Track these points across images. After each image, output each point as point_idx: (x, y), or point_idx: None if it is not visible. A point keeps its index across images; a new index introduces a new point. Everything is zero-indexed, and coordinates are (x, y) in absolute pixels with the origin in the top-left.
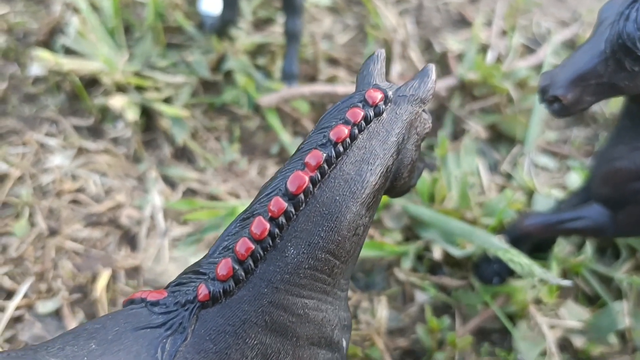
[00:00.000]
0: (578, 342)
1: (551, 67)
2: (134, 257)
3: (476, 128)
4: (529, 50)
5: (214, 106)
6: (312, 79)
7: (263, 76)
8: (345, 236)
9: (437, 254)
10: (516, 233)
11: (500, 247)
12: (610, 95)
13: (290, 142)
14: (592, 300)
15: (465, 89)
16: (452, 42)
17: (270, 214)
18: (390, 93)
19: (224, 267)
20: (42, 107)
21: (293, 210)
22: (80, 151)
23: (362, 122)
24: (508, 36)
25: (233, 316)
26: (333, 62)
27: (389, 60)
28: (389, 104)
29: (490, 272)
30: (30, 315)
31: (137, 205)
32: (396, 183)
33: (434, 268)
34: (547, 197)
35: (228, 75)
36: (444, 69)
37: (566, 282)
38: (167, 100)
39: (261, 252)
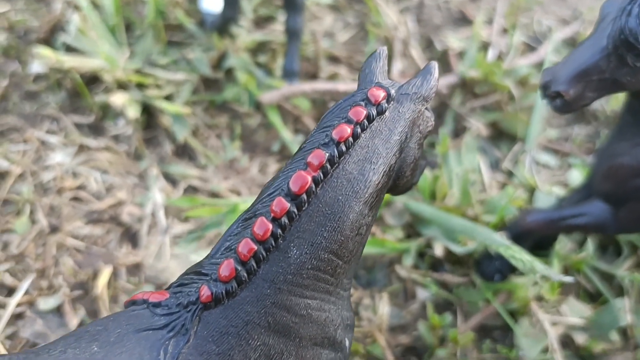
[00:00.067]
0: (580, 338)
1: (552, 64)
2: (135, 254)
3: (477, 125)
4: (529, 48)
5: (214, 104)
6: (313, 76)
7: (264, 74)
8: (348, 236)
9: (438, 251)
10: (518, 230)
11: (502, 244)
12: (613, 91)
13: (291, 139)
14: (593, 297)
15: (466, 87)
16: (453, 40)
17: (272, 215)
18: (392, 91)
19: (226, 268)
20: (43, 105)
21: (296, 210)
22: (81, 148)
23: (365, 121)
24: (509, 34)
25: (236, 317)
26: (334, 59)
27: (390, 58)
28: (392, 102)
29: (491, 269)
30: (31, 312)
31: (138, 203)
32: (399, 182)
33: (436, 265)
34: (548, 195)
35: (229, 72)
36: (445, 67)
37: (568, 279)
38: (168, 98)
39: (264, 253)
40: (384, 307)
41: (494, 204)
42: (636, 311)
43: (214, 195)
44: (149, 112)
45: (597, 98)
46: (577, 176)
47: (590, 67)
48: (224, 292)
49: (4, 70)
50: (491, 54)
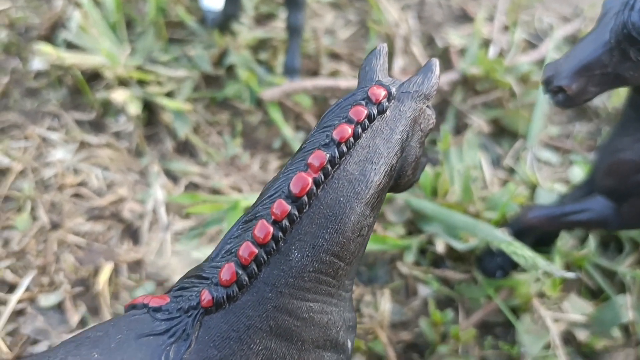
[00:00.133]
0: (581, 335)
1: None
2: (136, 250)
3: (479, 122)
4: (531, 45)
5: (216, 100)
6: (314, 73)
7: (265, 71)
8: (350, 238)
9: (440, 247)
10: (519, 226)
11: (504, 240)
12: (615, 85)
13: (293, 136)
14: (595, 294)
15: (467, 84)
16: (454, 37)
17: (273, 217)
18: (393, 90)
19: (227, 272)
20: (44, 102)
21: (296, 212)
22: (82, 145)
23: (366, 120)
24: (510, 31)
25: (237, 322)
26: (335, 57)
27: (391, 55)
28: (393, 101)
29: (493, 265)
30: (32, 308)
31: (139, 199)
32: (400, 181)
33: (437, 262)
34: (549, 192)
35: (230, 69)
36: (446, 64)
37: (570, 274)
38: (169, 95)
39: (265, 257)
40: (386, 304)
41: (495, 201)
42: (638, 308)
43: (215, 192)
44: (150, 108)
45: (600, 93)
46: (578, 173)
47: (592, 61)
48: (225, 296)
49: (4, 67)
50: (492, 51)
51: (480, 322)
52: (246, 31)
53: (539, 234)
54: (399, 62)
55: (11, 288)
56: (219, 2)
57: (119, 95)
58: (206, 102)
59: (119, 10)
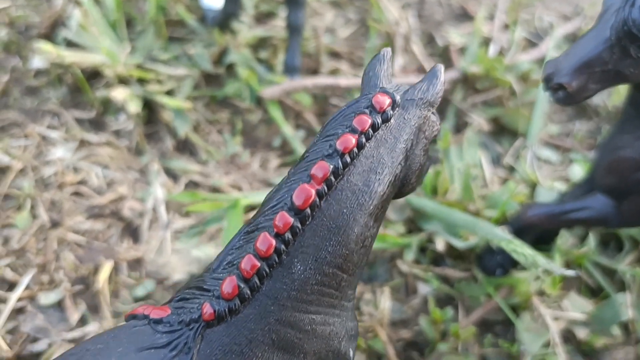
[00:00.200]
0: (581, 333)
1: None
2: (136, 249)
3: (479, 121)
4: (531, 44)
5: (216, 99)
6: (314, 72)
7: (265, 69)
8: (353, 249)
9: (440, 245)
10: (519, 224)
11: (504, 238)
12: (615, 83)
13: (293, 135)
14: (595, 292)
15: (467, 82)
16: (455, 36)
17: (275, 230)
18: (397, 97)
19: (229, 285)
20: (44, 100)
21: (299, 225)
22: (82, 144)
23: (370, 130)
24: (510, 30)
25: (239, 335)
26: (335, 55)
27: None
28: (397, 109)
29: (493, 263)
30: (32, 306)
31: (139, 198)
32: (404, 189)
33: (437, 260)
34: (549, 190)
35: (230, 68)
36: (447, 63)
37: (570, 272)
38: (170, 93)
39: (267, 269)
40: (386, 302)
41: (495, 199)
42: (637, 306)
43: (215, 190)
44: (150, 107)
45: (600, 90)
46: (578, 172)
47: (593, 58)
48: (226, 310)
49: (5, 65)
50: (492, 50)
51: (480, 320)
52: (246, 30)
53: (539, 232)
54: (399, 61)
55: (11, 286)
56: (219, 1)
57: (119, 94)
58: (206, 101)
59: (119, 9)
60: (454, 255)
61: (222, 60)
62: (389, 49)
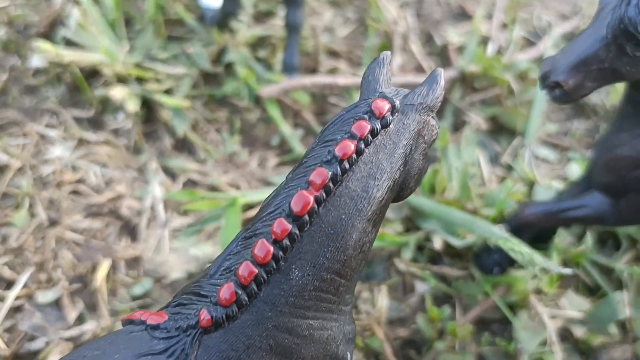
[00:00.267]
0: (578, 332)
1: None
2: (134, 247)
3: (477, 120)
4: (529, 43)
5: (214, 98)
6: (312, 71)
7: (264, 68)
8: (351, 255)
9: (437, 244)
10: (517, 222)
11: (501, 236)
12: (612, 81)
13: (291, 133)
14: (592, 291)
15: (466, 81)
16: (453, 35)
17: (273, 236)
18: (397, 102)
19: (226, 291)
20: (43, 99)
21: (297, 231)
22: (81, 142)
23: (369, 136)
24: (508, 29)
25: (236, 341)
26: (333, 54)
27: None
28: (396, 114)
29: (490, 262)
30: (30, 305)
31: (137, 196)
32: (402, 193)
33: (435, 258)
34: (547, 189)
35: (229, 67)
36: (445, 62)
37: (567, 271)
38: (168, 92)
39: (265, 276)
40: (383, 300)
41: (493, 198)
42: (635, 304)
43: (214, 189)
44: (148, 106)
45: (597, 88)
46: (576, 170)
47: (589, 56)
48: (224, 316)
49: (3, 64)
50: (491, 49)
51: (478, 318)
52: (245, 29)
53: (537, 230)
54: (397, 60)
55: (9, 284)
56: (217, 0)
57: (117, 93)
58: (205, 100)
59: (118, 8)
60: (452, 253)
61: (220, 59)
62: (388, 53)
